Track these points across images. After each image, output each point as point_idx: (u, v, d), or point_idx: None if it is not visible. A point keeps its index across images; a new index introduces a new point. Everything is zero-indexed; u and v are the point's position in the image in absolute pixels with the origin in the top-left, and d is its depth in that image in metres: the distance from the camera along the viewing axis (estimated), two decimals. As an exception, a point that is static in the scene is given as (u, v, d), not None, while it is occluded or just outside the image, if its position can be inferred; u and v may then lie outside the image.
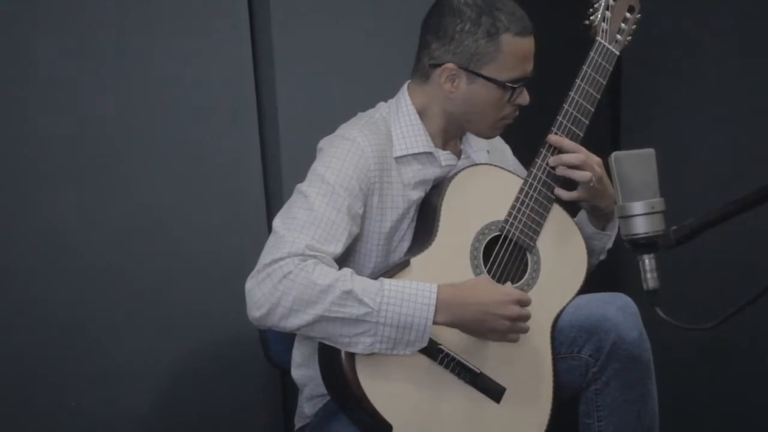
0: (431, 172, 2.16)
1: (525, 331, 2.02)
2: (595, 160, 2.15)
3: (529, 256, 2.13)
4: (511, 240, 2.11)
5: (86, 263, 2.44)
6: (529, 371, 2.08)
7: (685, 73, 3.05)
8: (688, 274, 2.78)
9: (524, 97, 2.12)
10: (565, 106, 2.15)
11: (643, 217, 1.63)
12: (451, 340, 2.01)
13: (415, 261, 2.04)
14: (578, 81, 2.16)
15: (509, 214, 2.12)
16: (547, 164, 2.14)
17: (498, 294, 2.00)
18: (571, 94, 2.16)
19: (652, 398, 2.09)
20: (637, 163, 1.66)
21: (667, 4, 2.93)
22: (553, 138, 2.14)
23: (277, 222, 2.01)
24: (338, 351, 1.97)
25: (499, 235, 2.11)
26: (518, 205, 2.12)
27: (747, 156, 2.89)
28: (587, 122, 2.16)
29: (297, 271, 1.91)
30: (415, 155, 2.14)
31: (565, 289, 2.13)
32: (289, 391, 2.57)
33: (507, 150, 2.37)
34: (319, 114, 2.59)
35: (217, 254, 2.58)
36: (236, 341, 2.57)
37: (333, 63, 2.74)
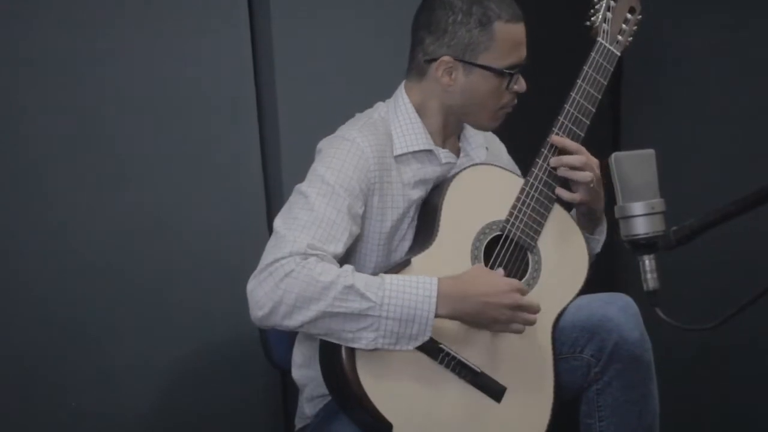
0: (431, 171, 2.16)
1: (529, 321, 2.01)
2: (594, 161, 2.15)
3: (530, 255, 2.13)
4: (512, 240, 2.11)
5: (86, 263, 2.44)
6: (530, 371, 2.08)
7: (685, 74, 3.05)
8: (689, 275, 2.77)
9: (521, 84, 2.13)
10: (566, 106, 2.16)
11: (643, 217, 1.63)
12: (452, 339, 2.01)
13: (416, 260, 2.05)
14: (579, 81, 2.16)
15: (510, 213, 2.12)
16: (549, 164, 2.15)
17: (497, 283, 2.00)
18: (572, 94, 2.16)
19: (653, 398, 2.09)
20: (638, 164, 1.66)
21: (667, 4, 2.93)
22: (556, 139, 2.14)
23: (278, 222, 2.01)
24: (339, 350, 1.96)
25: (500, 235, 2.11)
26: (519, 204, 2.12)
27: (747, 156, 2.89)
28: (588, 122, 2.17)
29: (299, 269, 1.91)
30: (415, 154, 2.14)
31: (566, 289, 2.14)
32: (289, 391, 2.57)
33: (503, 149, 2.37)
34: (319, 114, 2.58)
35: (217, 254, 2.58)
36: (236, 341, 2.57)
37: (333, 63, 2.74)
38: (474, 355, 2.03)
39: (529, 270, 2.12)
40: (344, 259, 2.04)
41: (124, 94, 2.49)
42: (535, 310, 2.02)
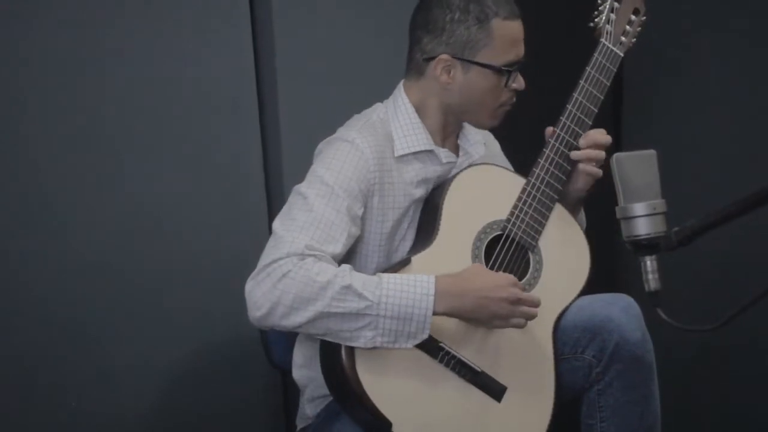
0: (432, 171, 2.16)
1: (529, 315, 2.01)
2: None
3: (531, 255, 2.13)
4: (513, 239, 2.11)
5: (86, 263, 2.44)
6: (531, 370, 2.08)
7: (686, 75, 3.05)
8: (690, 276, 2.78)
9: (520, 81, 2.13)
10: (569, 107, 2.16)
11: (644, 218, 1.63)
12: (452, 337, 2.02)
13: (416, 259, 2.05)
14: (582, 82, 2.16)
15: (511, 213, 2.12)
16: (550, 164, 2.15)
17: (495, 278, 2.01)
18: (575, 95, 2.16)
19: (655, 399, 2.10)
20: (639, 165, 1.66)
21: (667, 4, 2.93)
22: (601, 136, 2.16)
23: (277, 224, 2.01)
24: (338, 348, 1.97)
25: (501, 235, 2.11)
26: (520, 204, 2.12)
27: (748, 157, 2.89)
28: (590, 122, 2.17)
29: (296, 270, 1.91)
30: (416, 154, 2.14)
31: (568, 288, 2.14)
32: (290, 391, 2.57)
33: (497, 145, 2.38)
34: (320, 114, 2.58)
35: (217, 254, 2.58)
36: (237, 341, 2.57)
37: (334, 63, 2.74)
38: (474, 354, 2.03)
39: (530, 270, 2.12)
40: (345, 260, 2.04)
41: (124, 94, 2.49)
42: (535, 303, 2.02)
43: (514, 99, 2.16)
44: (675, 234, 1.60)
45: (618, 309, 2.06)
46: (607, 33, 2.20)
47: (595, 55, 2.18)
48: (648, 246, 1.63)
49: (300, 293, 1.91)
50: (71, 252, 2.42)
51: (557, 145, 2.15)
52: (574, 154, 2.15)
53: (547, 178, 2.15)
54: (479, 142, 2.25)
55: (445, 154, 2.17)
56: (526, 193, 2.13)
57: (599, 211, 2.23)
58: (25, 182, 2.38)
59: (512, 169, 2.29)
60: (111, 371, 2.46)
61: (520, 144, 2.30)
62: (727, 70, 2.97)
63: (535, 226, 2.13)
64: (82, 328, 2.43)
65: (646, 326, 2.06)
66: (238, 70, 2.64)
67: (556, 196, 2.15)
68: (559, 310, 2.11)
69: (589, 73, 2.17)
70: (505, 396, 2.05)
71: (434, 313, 1.95)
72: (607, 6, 2.21)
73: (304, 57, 2.70)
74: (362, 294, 1.92)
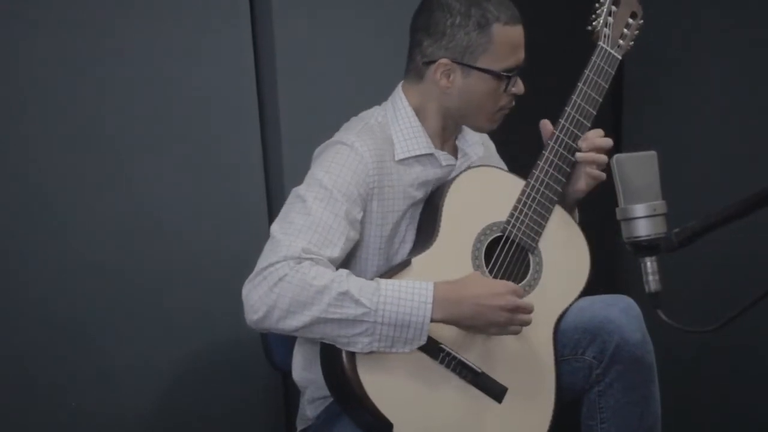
0: (432, 173, 2.16)
1: (526, 322, 2.01)
2: None
3: (531, 257, 2.13)
4: (512, 241, 2.11)
5: (86, 263, 2.44)
6: (532, 372, 2.08)
7: (686, 75, 3.05)
8: (690, 277, 2.78)
9: (519, 86, 2.13)
10: (567, 109, 2.15)
11: (645, 219, 1.63)
12: (453, 339, 2.01)
13: (416, 261, 2.05)
14: (580, 84, 2.16)
15: (511, 215, 2.12)
16: (549, 166, 2.15)
17: (493, 286, 2.00)
18: (574, 97, 2.16)
19: (655, 400, 2.10)
20: (639, 166, 1.66)
21: (667, 5, 2.93)
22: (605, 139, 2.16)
23: (275, 227, 2.01)
24: (339, 351, 1.97)
25: (501, 236, 2.11)
26: (520, 206, 2.12)
27: (748, 158, 2.89)
28: (589, 125, 2.17)
29: (293, 274, 1.91)
30: (417, 157, 2.14)
31: (568, 290, 2.13)
32: (290, 392, 2.57)
33: (493, 146, 2.38)
34: (320, 114, 2.59)
35: (218, 255, 2.58)
36: (237, 342, 2.57)
37: (335, 63, 2.74)
38: (475, 356, 2.03)
39: (530, 271, 2.12)
40: (344, 264, 2.04)
41: (124, 94, 2.49)
42: (530, 310, 2.01)
43: (513, 103, 2.16)
44: (675, 235, 1.59)
45: (618, 310, 2.06)
46: (605, 36, 2.20)
47: (593, 58, 2.18)
48: (648, 247, 1.63)
49: (296, 297, 1.91)
50: (71, 252, 2.42)
51: (556, 147, 2.15)
52: (579, 156, 2.15)
53: (546, 179, 2.14)
54: (477, 142, 2.25)
55: (444, 157, 2.17)
56: (525, 195, 2.13)
57: (599, 212, 2.22)
58: (25, 182, 2.38)
59: (507, 170, 2.29)
60: (111, 371, 2.46)
61: (518, 146, 2.30)
62: (727, 70, 2.97)
63: (535, 227, 2.13)
64: (82, 328, 2.43)
65: (647, 327, 2.06)
66: (238, 70, 2.64)
67: (555, 198, 2.15)
68: (559, 312, 2.11)
69: (588, 76, 2.17)
70: (506, 397, 2.05)
71: (432, 321, 1.96)
72: (605, 9, 2.21)
73: (304, 57, 2.70)
74: (359, 300, 1.92)
